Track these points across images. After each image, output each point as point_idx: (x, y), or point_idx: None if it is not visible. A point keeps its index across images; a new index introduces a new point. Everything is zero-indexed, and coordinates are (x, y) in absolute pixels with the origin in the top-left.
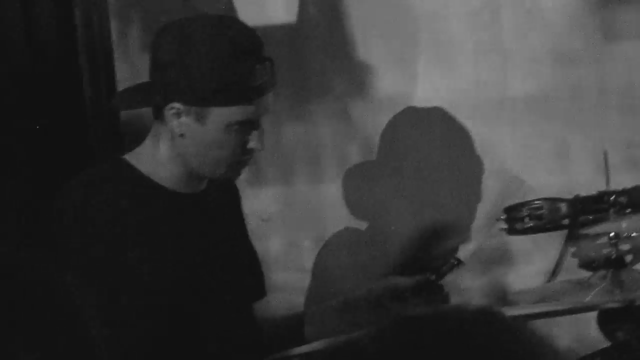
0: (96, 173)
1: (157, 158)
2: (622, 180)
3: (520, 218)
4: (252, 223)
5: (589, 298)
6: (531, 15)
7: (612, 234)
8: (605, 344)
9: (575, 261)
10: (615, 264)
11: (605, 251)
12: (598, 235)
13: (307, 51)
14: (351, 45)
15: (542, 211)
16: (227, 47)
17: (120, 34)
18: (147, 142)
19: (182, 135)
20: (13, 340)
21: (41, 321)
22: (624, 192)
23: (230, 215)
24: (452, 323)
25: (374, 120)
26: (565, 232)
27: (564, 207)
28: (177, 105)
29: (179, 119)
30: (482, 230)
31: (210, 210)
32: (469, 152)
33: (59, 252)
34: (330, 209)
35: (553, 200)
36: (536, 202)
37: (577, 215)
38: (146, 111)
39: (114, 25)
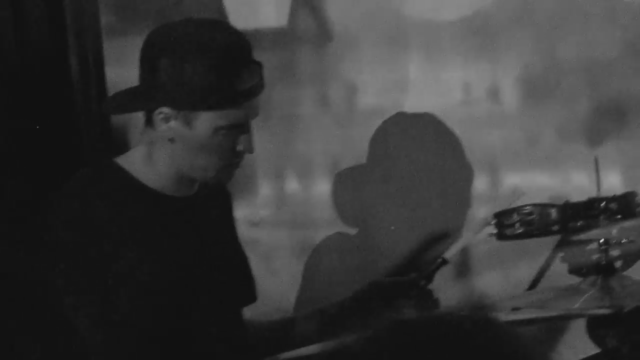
0: (87, 176)
1: (148, 161)
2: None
3: (511, 224)
4: (242, 227)
5: (578, 304)
6: (522, 22)
7: (602, 240)
8: (595, 350)
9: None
10: (605, 270)
11: (595, 257)
12: (588, 241)
13: (298, 55)
14: (341, 50)
15: (532, 217)
16: (214, 52)
17: (111, 36)
18: (138, 146)
19: (171, 139)
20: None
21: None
22: (614, 198)
23: (221, 219)
24: (446, 327)
25: (364, 126)
26: (555, 239)
27: (554, 213)
28: (165, 109)
29: (168, 123)
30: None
31: (202, 213)
32: (459, 158)
33: (50, 254)
34: (321, 213)
35: (543, 206)
36: (526, 207)
37: (567, 221)
38: (137, 114)
39: (104, 28)
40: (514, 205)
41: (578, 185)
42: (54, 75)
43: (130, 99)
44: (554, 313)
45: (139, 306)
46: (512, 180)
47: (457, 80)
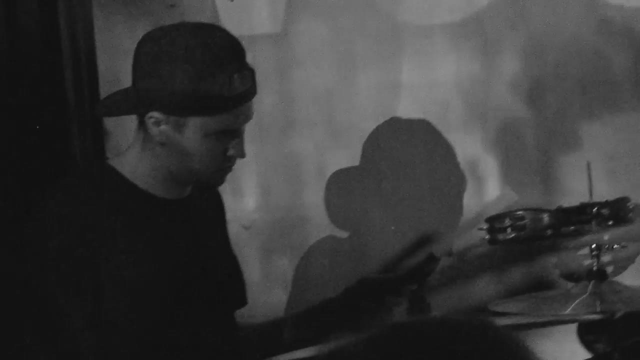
0: (79, 177)
1: (140, 164)
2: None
3: (503, 228)
4: (233, 230)
5: (569, 310)
6: (515, 27)
7: (594, 246)
8: (585, 355)
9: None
10: (596, 275)
11: (586, 263)
12: (580, 247)
13: (292, 61)
14: (335, 55)
15: (524, 221)
16: (205, 57)
17: (104, 39)
18: (131, 148)
19: (162, 143)
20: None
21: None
22: (606, 204)
23: (213, 222)
24: (442, 331)
25: (357, 130)
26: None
27: (546, 218)
28: (156, 114)
29: (159, 128)
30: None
31: (194, 216)
32: (451, 163)
33: (39, 256)
34: (312, 217)
35: (535, 211)
36: (518, 212)
37: (559, 226)
38: (130, 116)
39: (97, 30)
40: (505, 210)
41: (570, 190)
42: (47, 76)
43: (123, 102)
44: (544, 318)
45: (129, 308)
46: (504, 184)
47: (450, 84)
